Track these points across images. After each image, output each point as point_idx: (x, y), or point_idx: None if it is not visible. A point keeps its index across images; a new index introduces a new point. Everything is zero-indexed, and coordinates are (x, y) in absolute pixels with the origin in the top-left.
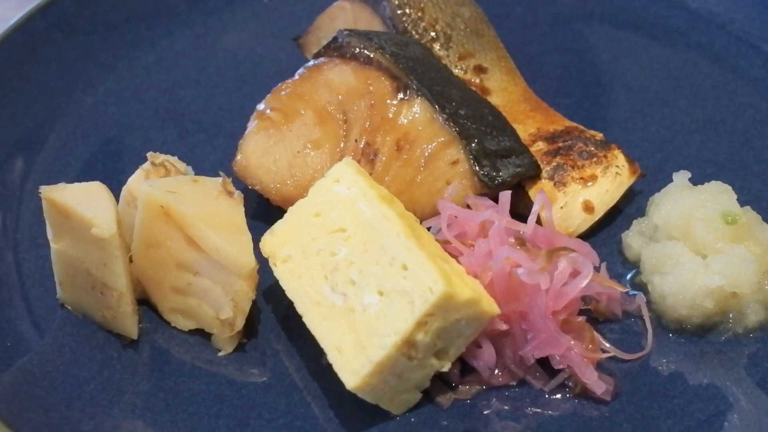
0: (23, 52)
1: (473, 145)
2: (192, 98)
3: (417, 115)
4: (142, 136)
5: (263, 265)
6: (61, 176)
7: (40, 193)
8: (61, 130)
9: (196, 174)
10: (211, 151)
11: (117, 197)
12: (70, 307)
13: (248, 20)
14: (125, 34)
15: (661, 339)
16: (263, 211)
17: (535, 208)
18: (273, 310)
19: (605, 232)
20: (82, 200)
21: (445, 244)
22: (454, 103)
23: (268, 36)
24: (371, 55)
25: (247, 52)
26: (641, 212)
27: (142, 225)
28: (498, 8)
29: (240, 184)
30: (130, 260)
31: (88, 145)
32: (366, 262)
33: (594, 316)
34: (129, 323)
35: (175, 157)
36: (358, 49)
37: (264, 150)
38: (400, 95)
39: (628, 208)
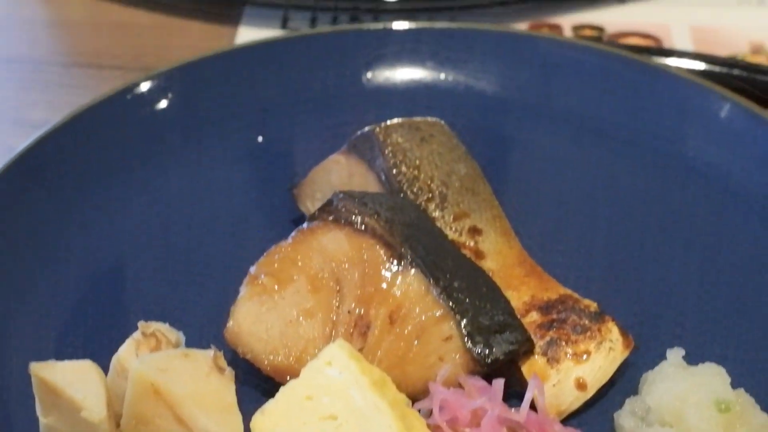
0: (12, 192)
1: (467, 320)
2: (185, 246)
3: (411, 287)
4: (133, 288)
5: None
6: (49, 329)
7: (30, 370)
8: (50, 278)
9: (186, 335)
10: (203, 310)
11: (104, 358)
12: None
13: (243, 160)
14: (119, 173)
15: None
16: (254, 377)
17: (528, 396)
18: None
19: (597, 407)
20: (72, 380)
21: (436, 429)
22: (448, 275)
23: (262, 179)
24: (366, 222)
25: (241, 196)
26: (634, 386)
27: (131, 401)
28: (492, 152)
29: (231, 351)
30: None
31: (79, 295)
32: None
33: None
34: None
35: (166, 324)
36: (352, 215)
37: (256, 317)
38: (395, 265)
39: (620, 381)
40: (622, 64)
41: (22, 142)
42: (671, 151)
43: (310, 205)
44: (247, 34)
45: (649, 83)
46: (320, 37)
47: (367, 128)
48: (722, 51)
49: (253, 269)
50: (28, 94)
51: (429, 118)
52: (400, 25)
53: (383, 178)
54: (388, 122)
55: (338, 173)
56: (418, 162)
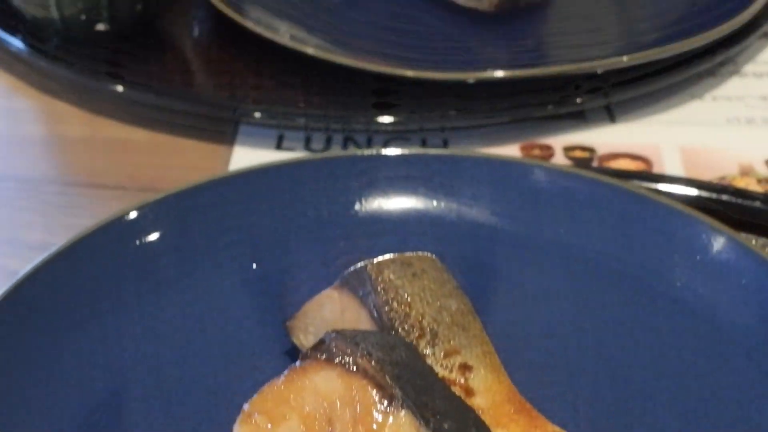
0: (7, 322)
1: None
2: (179, 378)
3: (401, 429)
4: (126, 424)
5: None
6: None
7: None
8: (42, 407)
9: None
10: None
11: None
12: None
13: (237, 290)
14: (114, 303)
15: None
16: None
17: None
18: None
19: None
20: None
21: None
22: (438, 416)
23: (256, 310)
24: (357, 362)
25: (235, 326)
26: None
27: None
28: (482, 283)
29: None
30: None
31: (71, 426)
32: None
33: None
34: None
35: None
36: (344, 355)
37: None
38: (385, 406)
39: None
40: (612, 193)
41: (17, 263)
42: (660, 283)
43: (303, 338)
44: (243, 153)
45: (639, 213)
46: (312, 164)
47: (359, 264)
48: (712, 173)
49: (246, 407)
50: (24, 213)
51: (420, 253)
52: (392, 151)
53: (375, 314)
54: (380, 258)
55: (331, 308)
56: (409, 299)
